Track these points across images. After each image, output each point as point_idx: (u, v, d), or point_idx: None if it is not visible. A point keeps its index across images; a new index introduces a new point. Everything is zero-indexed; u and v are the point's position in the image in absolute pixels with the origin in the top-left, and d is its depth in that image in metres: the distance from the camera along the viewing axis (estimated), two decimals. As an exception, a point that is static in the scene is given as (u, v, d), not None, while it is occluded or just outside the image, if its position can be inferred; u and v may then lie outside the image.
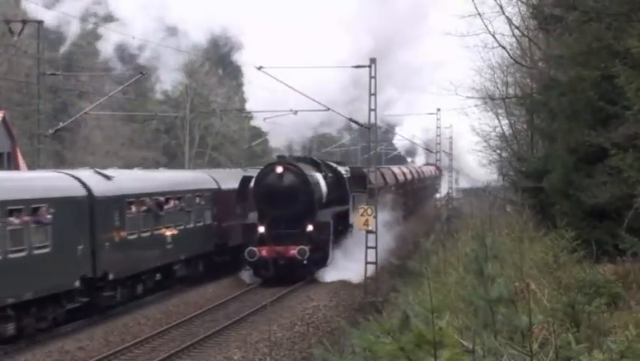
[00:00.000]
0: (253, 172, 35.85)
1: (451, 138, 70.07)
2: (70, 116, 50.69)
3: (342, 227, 37.15)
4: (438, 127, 63.02)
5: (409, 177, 65.42)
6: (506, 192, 40.87)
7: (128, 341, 23.48)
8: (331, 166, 38.45)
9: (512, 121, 39.03)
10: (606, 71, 18.38)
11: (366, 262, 31.88)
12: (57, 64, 56.71)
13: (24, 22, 40.64)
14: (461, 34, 29.53)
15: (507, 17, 27.55)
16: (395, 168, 61.91)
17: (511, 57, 31.02)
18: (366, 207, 32.23)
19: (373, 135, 35.05)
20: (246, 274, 33.76)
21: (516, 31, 29.84)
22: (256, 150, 72.46)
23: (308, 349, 22.51)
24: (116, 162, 62.50)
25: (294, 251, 32.29)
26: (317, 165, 36.63)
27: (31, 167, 45.07)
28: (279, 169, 33.21)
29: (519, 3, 27.90)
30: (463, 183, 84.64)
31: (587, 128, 20.69)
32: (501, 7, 26.66)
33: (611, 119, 19.21)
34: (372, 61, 31.92)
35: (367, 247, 32.00)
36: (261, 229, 32.71)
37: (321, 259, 33.60)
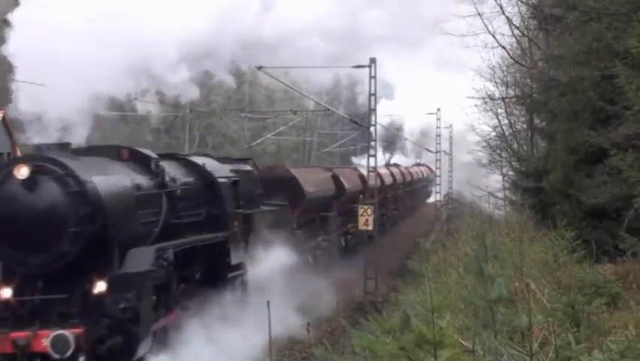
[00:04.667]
0: None
1: (450, 137, 69.81)
2: (70, 116, 50.63)
3: (206, 275, 19.57)
4: (438, 127, 62.78)
5: (387, 180, 49.31)
6: (506, 192, 40.83)
7: (128, 340, 23.33)
8: (193, 164, 21.14)
9: (512, 121, 38.98)
10: (606, 71, 18.39)
11: (366, 263, 32.05)
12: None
13: (24, 22, 40.65)
14: (461, 34, 29.49)
15: (507, 17, 27.51)
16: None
17: (511, 57, 30.99)
18: (366, 207, 32.23)
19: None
20: None
21: (516, 31, 29.81)
22: (256, 149, 72.44)
23: (308, 349, 22.50)
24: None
25: (45, 342, 14.37)
26: (144, 162, 18.68)
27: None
28: (23, 171, 15.19)
29: (519, 3, 27.87)
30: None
31: (587, 128, 20.70)
32: (501, 7, 26.61)
33: (611, 119, 19.21)
34: (372, 61, 31.89)
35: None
36: (6, 294, 15.17)
37: (123, 351, 15.06)
